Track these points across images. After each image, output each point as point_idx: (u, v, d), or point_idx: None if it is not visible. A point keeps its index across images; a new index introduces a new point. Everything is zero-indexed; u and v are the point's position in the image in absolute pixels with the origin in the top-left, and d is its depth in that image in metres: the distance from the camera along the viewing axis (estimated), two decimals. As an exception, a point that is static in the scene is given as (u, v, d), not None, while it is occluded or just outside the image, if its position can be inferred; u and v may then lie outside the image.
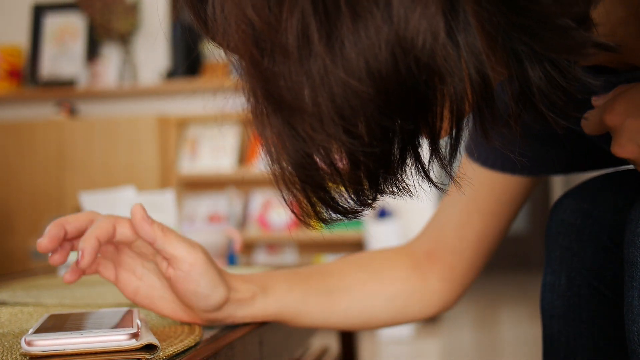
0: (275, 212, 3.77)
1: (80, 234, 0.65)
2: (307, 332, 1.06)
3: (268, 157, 0.46)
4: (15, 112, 4.08)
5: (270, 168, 0.47)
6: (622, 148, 0.57)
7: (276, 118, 0.44)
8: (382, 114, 0.42)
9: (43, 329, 0.58)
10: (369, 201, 0.49)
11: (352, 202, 0.48)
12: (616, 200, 0.68)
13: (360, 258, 0.83)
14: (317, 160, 0.45)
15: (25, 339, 0.55)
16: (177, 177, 3.81)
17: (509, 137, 0.51)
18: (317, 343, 1.59)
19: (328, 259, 3.75)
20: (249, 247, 3.79)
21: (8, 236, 3.78)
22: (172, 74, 3.88)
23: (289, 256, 3.84)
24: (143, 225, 0.63)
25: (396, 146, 0.45)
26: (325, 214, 0.49)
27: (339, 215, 0.49)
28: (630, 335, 0.57)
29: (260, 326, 0.75)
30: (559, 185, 4.97)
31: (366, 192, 0.47)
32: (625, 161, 0.61)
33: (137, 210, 0.64)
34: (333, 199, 0.48)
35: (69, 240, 0.66)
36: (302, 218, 0.49)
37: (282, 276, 0.76)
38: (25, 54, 4.11)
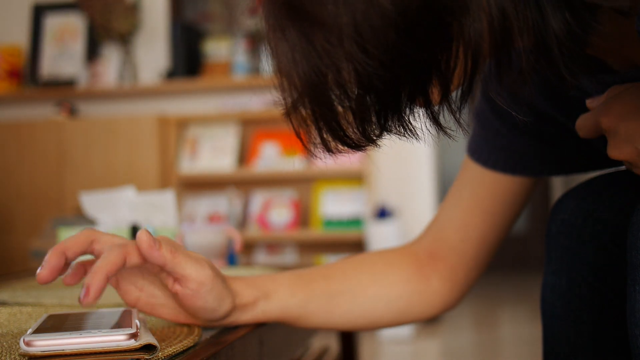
0: (275, 212, 3.77)
1: (81, 255, 0.64)
2: (307, 332, 1.06)
3: (279, 76, 0.46)
4: (15, 112, 4.08)
5: (280, 88, 0.46)
6: (618, 150, 0.57)
7: (294, 31, 0.44)
8: (399, 38, 0.42)
9: (42, 329, 0.57)
10: (374, 137, 0.48)
11: (358, 133, 0.48)
12: (617, 200, 0.68)
13: (362, 259, 0.82)
14: (329, 77, 0.44)
15: (24, 339, 0.55)
16: (177, 177, 3.81)
17: (518, 94, 0.50)
18: (317, 343, 1.59)
19: (328, 259, 3.75)
20: (249, 247, 3.79)
21: (8, 236, 3.78)
22: (172, 74, 3.88)
23: (289, 256, 3.84)
24: (152, 253, 0.62)
25: (408, 78, 0.45)
26: (331, 143, 0.49)
27: (344, 146, 0.49)
28: (634, 339, 0.57)
29: (260, 326, 0.75)
30: (559, 185, 4.97)
31: (373, 124, 0.47)
32: (622, 163, 0.61)
33: (143, 238, 0.62)
34: (340, 125, 0.47)
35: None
36: (309, 146, 0.49)
37: (285, 280, 0.75)
38: (25, 54, 4.11)
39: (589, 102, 0.60)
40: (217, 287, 0.66)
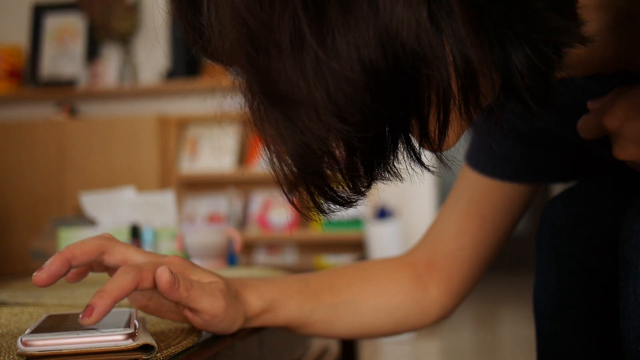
0: (275, 212, 3.77)
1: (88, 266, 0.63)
2: (307, 332, 1.06)
3: (267, 152, 0.48)
4: (15, 112, 4.08)
5: (270, 163, 0.48)
6: (624, 150, 0.57)
7: (273, 112, 0.46)
8: (374, 100, 0.44)
9: (40, 329, 0.57)
10: (363, 189, 0.50)
11: (348, 190, 0.50)
12: (604, 202, 0.69)
13: (365, 269, 0.83)
14: (315, 149, 0.46)
15: (21, 339, 0.55)
16: (177, 177, 3.81)
17: (496, 133, 0.52)
18: (317, 343, 1.59)
19: (328, 259, 3.74)
20: (249, 247, 3.79)
21: (8, 236, 3.79)
22: (172, 74, 3.88)
23: (289, 256, 3.84)
24: (170, 293, 0.61)
25: (388, 130, 0.47)
26: (324, 205, 0.50)
27: (336, 206, 0.51)
28: (626, 332, 0.57)
29: (261, 327, 0.75)
30: (559, 186, 4.97)
31: (362, 178, 0.49)
32: (622, 166, 0.61)
33: (164, 278, 0.59)
34: (331, 188, 0.49)
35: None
36: (302, 211, 0.51)
37: (294, 291, 0.75)
38: (25, 54, 4.11)
39: (590, 104, 0.60)
40: (230, 315, 0.66)
